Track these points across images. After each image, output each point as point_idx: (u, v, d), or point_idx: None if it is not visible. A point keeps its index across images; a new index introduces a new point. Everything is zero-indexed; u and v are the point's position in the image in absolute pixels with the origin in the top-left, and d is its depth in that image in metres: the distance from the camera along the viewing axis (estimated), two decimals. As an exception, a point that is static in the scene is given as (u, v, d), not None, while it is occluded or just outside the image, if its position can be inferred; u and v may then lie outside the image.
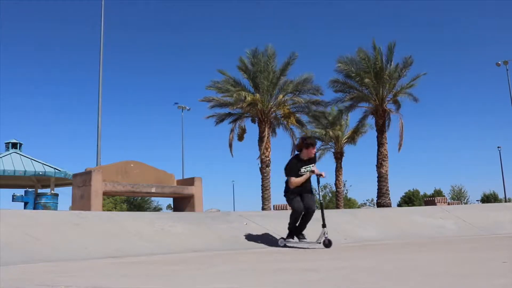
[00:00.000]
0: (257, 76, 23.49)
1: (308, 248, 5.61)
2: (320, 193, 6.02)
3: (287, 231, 5.91)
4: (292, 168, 5.83)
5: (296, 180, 5.75)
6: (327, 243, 5.49)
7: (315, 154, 5.94)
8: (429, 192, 55.96)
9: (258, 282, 2.66)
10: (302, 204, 5.72)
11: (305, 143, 5.83)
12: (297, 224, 5.81)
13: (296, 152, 6.06)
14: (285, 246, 5.86)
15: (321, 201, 6.08)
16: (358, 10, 77.38)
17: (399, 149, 23.32)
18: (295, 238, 5.85)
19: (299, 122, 24.59)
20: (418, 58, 22.05)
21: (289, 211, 6.03)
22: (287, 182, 5.88)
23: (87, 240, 5.26)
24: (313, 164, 5.90)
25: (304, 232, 5.85)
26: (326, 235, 5.53)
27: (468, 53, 74.64)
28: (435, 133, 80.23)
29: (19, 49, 70.92)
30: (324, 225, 5.57)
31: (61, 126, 78.86)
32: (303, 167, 5.82)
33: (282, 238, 5.95)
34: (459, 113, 78.02)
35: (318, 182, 5.84)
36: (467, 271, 2.78)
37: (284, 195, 5.96)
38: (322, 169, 6.07)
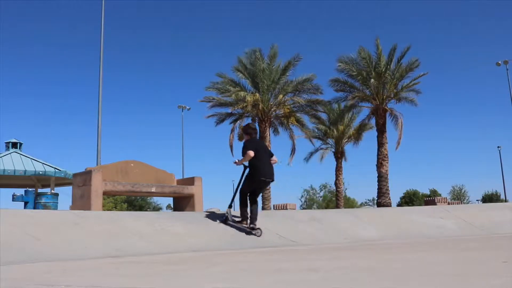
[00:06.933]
0: (257, 76, 23.47)
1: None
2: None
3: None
4: None
5: None
6: None
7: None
8: (427, 192, 55.92)
9: (258, 282, 2.66)
10: None
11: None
12: None
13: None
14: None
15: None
16: (359, 9, 77.39)
17: (397, 147, 23.34)
18: None
19: (299, 121, 24.59)
20: (418, 57, 22.37)
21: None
22: None
23: (87, 240, 5.26)
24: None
25: None
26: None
27: (468, 53, 74.64)
28: (435, 133, 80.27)
29: (19, 49, 70.99)
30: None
31: (61, 126, 78.87)
32: None
33: None
34: (459, 113, 78.06)
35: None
36: (467, 271, 2.78)
37: None
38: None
